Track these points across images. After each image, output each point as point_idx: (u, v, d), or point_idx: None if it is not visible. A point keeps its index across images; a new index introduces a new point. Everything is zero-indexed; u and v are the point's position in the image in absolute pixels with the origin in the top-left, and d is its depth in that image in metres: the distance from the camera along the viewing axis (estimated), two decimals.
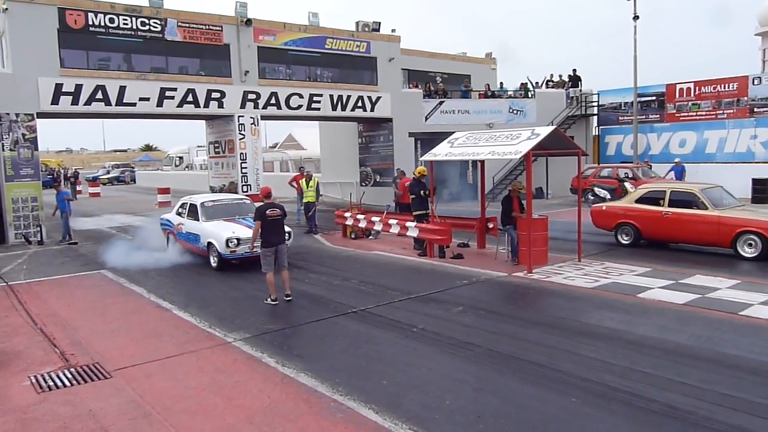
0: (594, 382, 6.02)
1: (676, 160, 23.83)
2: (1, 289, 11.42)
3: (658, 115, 26.91)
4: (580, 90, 28.60)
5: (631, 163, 24.83)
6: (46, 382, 6.53)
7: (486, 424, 5.21)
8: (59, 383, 6.49)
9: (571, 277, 10.77)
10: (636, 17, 24.37)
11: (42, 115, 17.83)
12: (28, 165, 17.29)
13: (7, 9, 17.08)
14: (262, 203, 9.80)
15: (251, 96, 21.41)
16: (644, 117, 26.98)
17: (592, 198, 21.64)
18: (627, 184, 21.02)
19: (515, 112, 27.00)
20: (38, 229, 17.26)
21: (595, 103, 29.08)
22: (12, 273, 12.91)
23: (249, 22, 21.08)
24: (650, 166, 24.47)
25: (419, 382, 6.22)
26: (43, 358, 7.37)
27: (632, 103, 26.36)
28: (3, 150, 16.82)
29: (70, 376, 6.68)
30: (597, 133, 29.55)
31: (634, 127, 26.16)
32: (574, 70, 28.93)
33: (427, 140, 23.17)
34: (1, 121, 16.71)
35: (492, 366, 6.62)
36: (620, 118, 28.28)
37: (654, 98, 27.02)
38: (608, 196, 21.25)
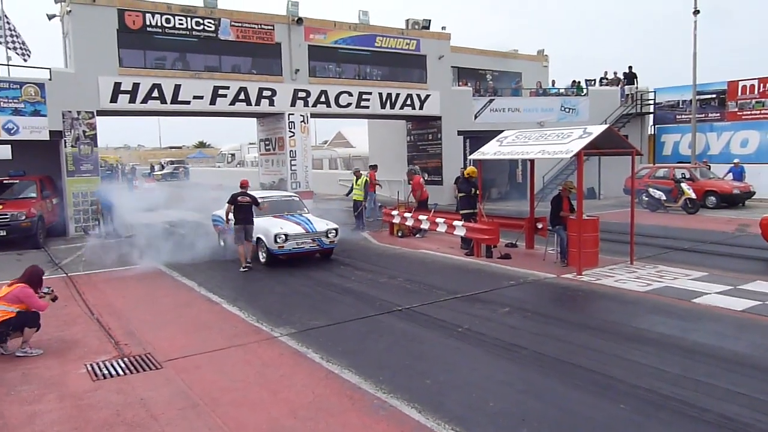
0: (644, 389, 5.85)
1: (735, 161, 22.94)
2: (62, 279, 11.89)
3: (718, 114, 25.95)
4: (636, 88, 27.81)
5: (689, 163, 24.01)
6: (101, 370, 6.76)
7: (530, 428, 5.13)
8: (113, 372, 6.72)
9: (623, 280, 10.49)
10: (696, 12, 23.56)
11: (101, 112, 18.51)
12: (88, 161, 17.98)
13: (70, 11, 17.80)
14: (236, 191, 12.55)
15: (301, 94, 21.68)
16: (703, 115, 26.05)
17: (647, 199, 21.08)
18: (684, 185, 20.40)
19: (567, 110, 26.48)
20: (96, 222, 17.91)
21: (651, 101, 28.23)
22: (72, 264, 13.44)
23: (300, 21, 21.35)
24: (709, 166, 23.62)
25: (463, 383, 6.17)
26: (99, 347, 7.64)
27: (691, 101, 25.48)
28: (65, 146, 17.53)
29: (123, 365, 6.91)
30: (653, 132, 28.70)
31: (693, 126, 25.28)
32: (630, 68, 28.17)
33: (476, 139, 22.96)
34: (63, 119, 17.42)
35: (538, 369, 6.51)
36: (678, 116, 27.39)
37: (714, 96, 26.06)
38: (663, 198, 20.66)
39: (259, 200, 13.90)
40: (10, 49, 18.36)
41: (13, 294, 7.28)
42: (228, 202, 12.44)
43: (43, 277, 7.82)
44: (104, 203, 17.34)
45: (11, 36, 18.44)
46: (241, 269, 12.21)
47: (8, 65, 17.39)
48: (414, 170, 19.83)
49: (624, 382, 6.01)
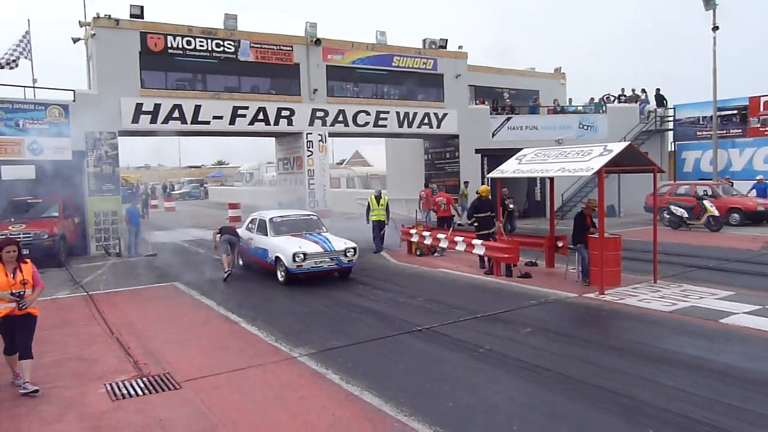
0: (673, 413, 5.68)
1: (759, 177, 22.58)
2: (82, 298, 11.97)
3: (740, 130, 25.62)
4: (665, 109, 27.61)
5: (711, 180, 23.68)
6: (120, 390, 6.74)
7: None
8: (132, 392, 6.68)
9: (647, 300, 10.29)
10: (715, 28, 23.37)
11: (123, 133, 18.75)
12: (110, 180, 18.18)
13: (95, 34, 18.14)
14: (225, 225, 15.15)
15: (319, 114, 21.79)
16: (725, 132, 25.74)
17: (668, 217, 20.79)
18: (706, 202, 20.10)
19: (585, 127, 26.31)
20: (117, 241, 18.06)
21: (671, 118, 27.97)
22: (92, 283, 13.52)
23: (318, 41, 21.53)
24: (732, 183, 23.28)
25: (486, 406, 6.05)
26: (118, 366, 7.63)
27: (711, 117, 25.19)
28: (87, 166, 17.75)
29: (142, 385, 6.88)
30: (673, 149, 28.40)
31: (714, 142, 24.95)
32: (658, 90, 27.87)
33: (494, 157, 22.88)
34: (86, 139, 17.66)
35: (562, 391, 6.36)
36: (698, 132, 27.09)
37: (735, 112, 25.74)
38: (686, 215, 20.37)
39: (278, 219, 13.97)
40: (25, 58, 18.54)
41: (35, 273, 6.85)
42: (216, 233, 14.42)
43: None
44: (132, 222, 17.49)
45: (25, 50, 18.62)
46: (224, 275, 13.53)
47: (34, 87, 17.70)
48: (431, 188, 20.00)
49: (653, 406, 5.84)
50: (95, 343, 8.73)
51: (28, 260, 6.87)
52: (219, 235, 14.16)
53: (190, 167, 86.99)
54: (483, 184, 17.21)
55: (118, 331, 9.28)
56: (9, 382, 6.91)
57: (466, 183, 23.92)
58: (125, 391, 6.70)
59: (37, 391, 6.59)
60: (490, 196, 13.83)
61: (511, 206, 17.45)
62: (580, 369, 7.00)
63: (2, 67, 17.77)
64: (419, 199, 20.38)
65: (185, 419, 5.91)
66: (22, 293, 6.57)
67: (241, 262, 14.98)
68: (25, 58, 18.52)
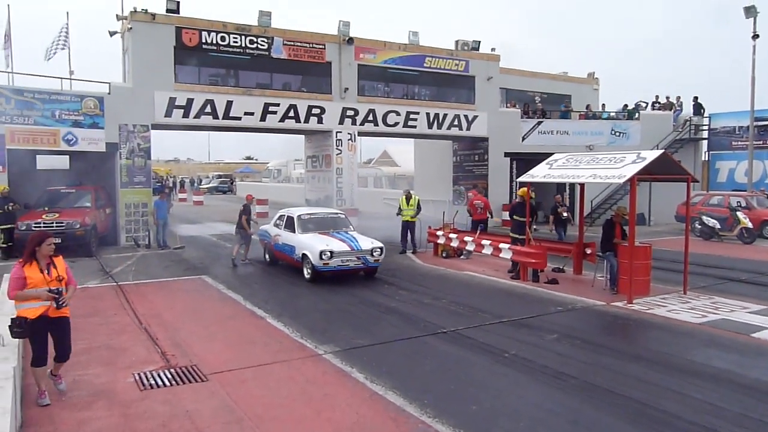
0: (702, 426, 5.58)
1: None
2: (112, 288, 12.19)
3: None
4: (701, 118, 27.14)
5: (745, 191, 23.18)
6: (148, 380, 6.85)
7: None
8: (160, 382, 6.79)
9: (676, 311, 10.12)
10: (756, 36, 22.89)
11: (156, 126, 19.04)
12: (141, 173, 18.47)
13: (131, 28, 18.45)
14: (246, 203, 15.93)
15: (350, 112, 21.86)
16: (761, 142, 25.18)
17: (700, 227, 20.42)
18: (739, 214, 19.69)
19: (618, 134, 25.97)
20: (147, 233, 18.35)
21: (706, 127, 27.45)
22: (122, 274, 13.76)
23: (351, 40, 21.60)
24: (767, 195, 22.75)
25: (510, 410, 6.02)
26: (146, 356, 7.75)
27: (748, 127, 24.65)
28: (120, 158, 18.07)
29: (170, 375, 6.98)
30: (707, 159, 27.87)
31: (750, 153, 24.41)
32: (696, 98, 27.38)
33: (524, 161, 22.70)
34: (120, 132, 17.98)
35: (587, 399, 6.30)
36: (734, 143, 26.55)
37: None
38: (718, 226, 19.98)
39: (305, 217, 14.07)
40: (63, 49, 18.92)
41: (68, 269, 6.34)
42: (242, 214, 15.38)
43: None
44: (159, 215, 17.74)
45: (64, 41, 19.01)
46: (233, 261, 14.89)
47: (70, 79, 18.07)
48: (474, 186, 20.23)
49: (680, 418, 5.75)
50: (124, 333, 8.89)
51: (60, 255, 6.31)
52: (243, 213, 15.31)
53: (219, 163, 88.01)
54: (514, 188, 17.10)
55: (146, 322, 9.43)
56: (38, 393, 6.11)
57: (533, 189, 23.54)
58: (153, 381, 6.81)
59: (65, 390, 6.37)
60: (530, 200, 13.55)
61: (565, 214, 17.38)
62: (605, 378, 6.92)
63: (48, 59, 18.21)
64: (465, 199, 20.48)
65: (211, 411, 5.99)
66: (61, 290, 5.98)
67: (267, 258, 15.11)
68: (62, 49, 18.93)
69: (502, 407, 6.10)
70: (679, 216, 21.80)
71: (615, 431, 5.55)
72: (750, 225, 19.40)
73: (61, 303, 5.97)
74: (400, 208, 17.12)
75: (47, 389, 6.14)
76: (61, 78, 17.66)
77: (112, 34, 20.60)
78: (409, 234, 17.11)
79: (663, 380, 6.83)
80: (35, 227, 14.96)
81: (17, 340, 6.14)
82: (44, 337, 6.01)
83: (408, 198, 17.14)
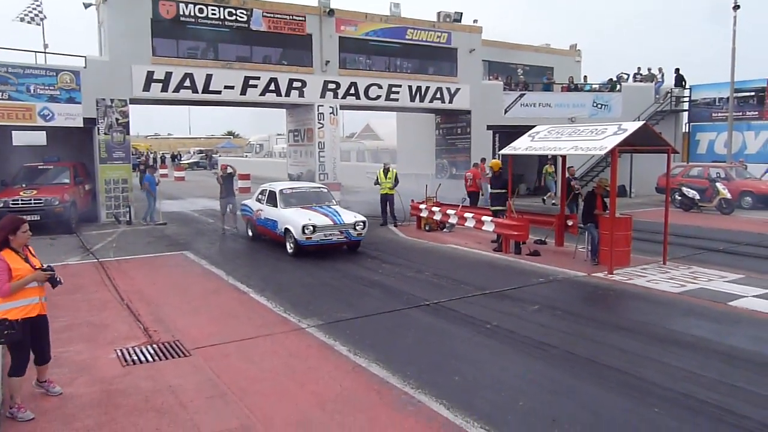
0: (679, 392, 5.70)
1: None
2: (93, 265, 12.07)
3: (756, 112, 25.26)
4: (681, 90, 27.21)
5: (725, 162, 23.43)
6: (130, 356, 6.82)
7: (561, 429, 5.03)
8: (142, 358, 6.77)
9: (655, 281, 10.27)
10: (737, 6, 22.91)
11: (134, 101, 18.69)
12: (120, 148, 18.20)
13: (106, 0, 17.97)
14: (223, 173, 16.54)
15: (331, 86, 21.63)
16: (741, 114, 25.37)
17: (680, 198, 20.64)
18: (719, 185, 19.93)
19: (599, 106, 26.02)
20: (127, 209, 18.15)
21: (687, 99, 27.59)
22: (102, 250, 13.61)
23: (332, 12, 21.27)
24: (745, 166, 23.05)
25: (492, 381, 6.09)
26: (129, 332, 7.71)
27: (728, 98, 24.81)
28: (98, 133, 17.76)
29: (152, 351, 6.96)
30: (687, 130, 28.06)
31: (729, 124, 24.59)
32: (677, 70, 27.40)
33: (506, 133, 22.70)
34: (97, 106, 17.64)
35: (569, 369, 6.39)
36: (714, 114, 26.72)
37: (753, 94, 25.36)
38: (697, 197, 20.22)
39: (288, 191, 13.99)
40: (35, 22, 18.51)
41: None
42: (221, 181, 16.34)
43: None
44: (154, 188, 17.59)
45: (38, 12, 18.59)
46: (224, 232, 15.91)
47: (45, 53, 17.64)
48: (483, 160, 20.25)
49: (658, 386, 5.86)
50: (106, 309, 8.82)
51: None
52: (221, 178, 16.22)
53: (200, 138, 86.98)
54: (496, 158, 17.01)
55: (128, 298, 9.37)
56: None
57: (550, 161, 23.38)
58: (135, 357, 6.79)
59: (61, 393, 5.82)
60: (501, 172, 13.71)
61: (578, 187, 17.23)
62: (586, 347, 7.02)
63: (27, 22, 17.72)
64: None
65: (194, 386, 5.99)
66: (53, 266, 5.51)
67: (250, 233, 15.04)
68: (37, 24, 18.46)
69: (484, 378, 6.17)
70: (659, 187, 22.03)
71: (596, 400, 5.63)
72: (729, 196, 19.65)
73: (58, 279, 5.45)
74: (377, 180, 17.16)
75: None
76: (35, 51, 17.26)
77: (86, 5, 20.10)
78: (388, 206, 17.17)
79: (643, 349, 6.94)
80: (13, 204, 14.72)
81: None
82: (29, 339, 5.42)
83: (386, 171, 17.16)
